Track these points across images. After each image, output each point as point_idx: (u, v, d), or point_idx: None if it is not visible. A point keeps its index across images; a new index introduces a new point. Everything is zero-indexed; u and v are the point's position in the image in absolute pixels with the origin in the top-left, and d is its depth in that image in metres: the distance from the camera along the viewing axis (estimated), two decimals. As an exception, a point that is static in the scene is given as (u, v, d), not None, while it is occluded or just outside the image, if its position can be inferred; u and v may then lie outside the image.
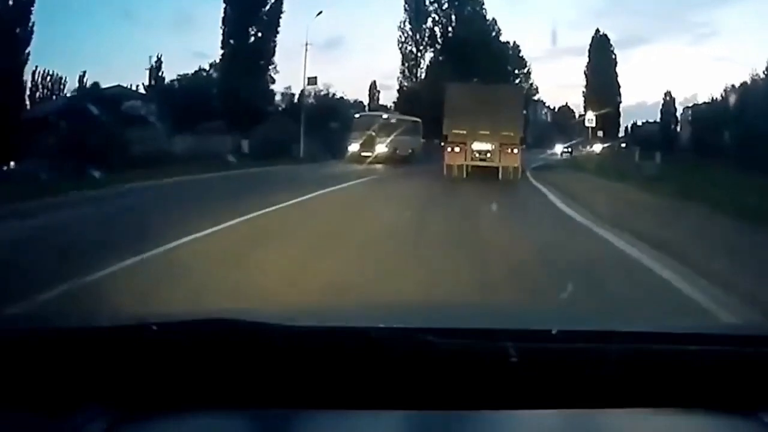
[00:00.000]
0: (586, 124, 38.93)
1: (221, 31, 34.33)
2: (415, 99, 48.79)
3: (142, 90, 37.10)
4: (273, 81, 36.83)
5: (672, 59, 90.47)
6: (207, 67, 38.64)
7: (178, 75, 40.40)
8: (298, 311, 2.11)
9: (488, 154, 18.22)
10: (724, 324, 3.34)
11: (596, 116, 39.85)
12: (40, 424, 1.09)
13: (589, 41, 56.22)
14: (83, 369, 1.15)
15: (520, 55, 55.81)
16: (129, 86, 35.98)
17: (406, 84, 54.83)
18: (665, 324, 1.85)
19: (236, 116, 30.38)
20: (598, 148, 45.20)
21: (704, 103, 55.25)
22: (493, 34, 53.14)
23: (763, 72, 40.54)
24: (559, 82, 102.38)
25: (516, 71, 54.80)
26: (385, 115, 31.03)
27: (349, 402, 1.14)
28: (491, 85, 23.60)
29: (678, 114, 59.77)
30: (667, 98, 60.20)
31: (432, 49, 53.06)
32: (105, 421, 1.08)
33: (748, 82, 42.02)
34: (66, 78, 38.54)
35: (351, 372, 1.15)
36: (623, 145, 47.13)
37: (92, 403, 1.11)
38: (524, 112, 24.12)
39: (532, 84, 55.88)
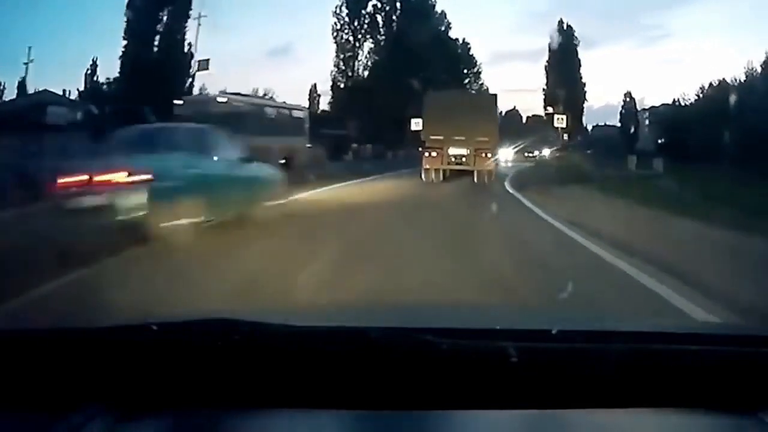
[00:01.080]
0: (555, 123, 35.92)
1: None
2: (353, 98, 44.14)
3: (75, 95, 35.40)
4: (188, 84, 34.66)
5: (624, 62, 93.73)
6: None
7: (107, 78, 39.04)
8: (297, 311, 2.07)
9: (464, 159, 19.39)
10: (724, 324, 3.32)
11: (565, 116, 36.55)
12: (40, 424, 1.09)
13: (550, 36, 53.70)
14: (83, 369, 1.15)
15: (471, 53, 53.07)
16: (64, 92, 34.53)
17: (341, 80, 47.86)
18: (665, 324, 1.86)
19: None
20: (546, 152, 42.43)
21: (663, 104, 55.24)
22: (443, 28, 49.22)
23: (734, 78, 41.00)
24: (504, 86, 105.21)
25: (466, 70, 52.01)
26: (222, 99, 19.68)
27: (348, 402, 1.14)
28: (467, 93, 25.30)
29: (642, 116, 58.11)
30: (627, 99, 58.89)
31: (372, 39, 47.36)
32: (105, 421, 1.08)
33: (713, 83, 42.33)
34: (4, 83, 38.49)
35: (351, 372, 1.15)
36: (588, 151, 43.98)
37: (92, 403, 1.11)
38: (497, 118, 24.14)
39: (482, 84, 53.24)
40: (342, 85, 47.41)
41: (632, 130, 57.80)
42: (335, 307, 2.94)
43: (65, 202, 6.68)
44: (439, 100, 21.17)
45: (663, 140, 48.73)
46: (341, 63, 47.88)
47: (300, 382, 1.14)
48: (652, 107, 57.27)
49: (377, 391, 1.14)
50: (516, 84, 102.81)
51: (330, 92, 47.99)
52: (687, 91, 49.03)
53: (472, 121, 18.78)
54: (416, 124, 35.61)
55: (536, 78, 77.56)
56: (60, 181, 6.86)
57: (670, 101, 54.54)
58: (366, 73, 47.20)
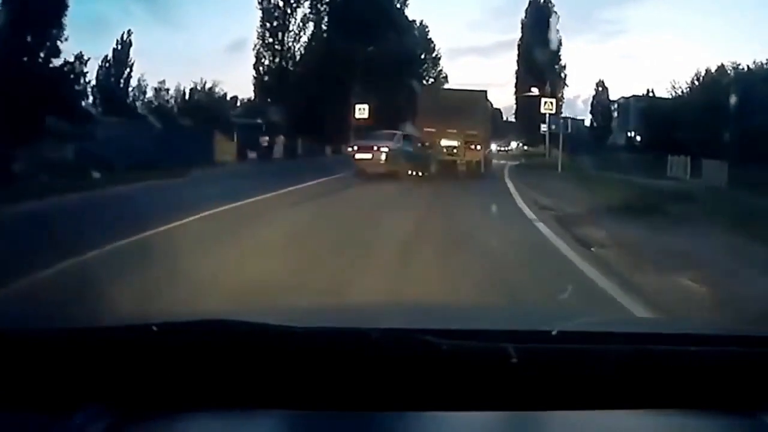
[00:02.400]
0: (543, 109, 28.88)
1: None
2: (282, 79, 36.92)
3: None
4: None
5: (588, 56, 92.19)
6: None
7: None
8: (298, 312, 2.10)
9: (454, 150, 20.34)
10: (724, 325, 3.29)
11: (555, 100, 30.44)
12: (40, 424, 1.09)
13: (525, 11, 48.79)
14: (84, 369, 1.15)
15: (429, 37, 48.80)
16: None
17: (267, 56, 37.96)
18: (665, 325, 1.87)
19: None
20: (514, 144, 40.67)
21: (633, 96, 51.91)
22: (398, 5, 43.20)
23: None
24: (460, 81, 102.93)
25: (423, 55, 48.19)
26: None
27: (349, 403, 1.14)
28: (459, 90, 24.95)
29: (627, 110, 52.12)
30: (600, 89, 53.83)
31: (309, 5, 38.12)
32: (105, 421, 1.08)
33: (711, 70, 37.14)
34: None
35: (351, 373, 1.15)
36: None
37: (92, 403, 1.11)
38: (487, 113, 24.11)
39: (440, 71, 49.61)
40: (268, 62, 38.40)
41: (611, 122, 54.41)
42: (335, 307, 2.94)
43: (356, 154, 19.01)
44: (433, 94, 23.52)
45: (642, 134, 45.54)
46: (267, 34, 38.09)
47: (300, 382, 1.14)
48: (633, 96, 52.94)
49: (377, 392, 1.14)
50: (475, 79, 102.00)
51: (254, 73, 38.50)
52: (678, 80, 43.70)
53: (462, 115, 19.66)
54: (361, 111, 31.54)
55: (497, 72, 79.52)
56: (355, 146, 19.65)
57: (638, 94, 51.62)
58: (299, 48, 38.86)
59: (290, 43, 38.16)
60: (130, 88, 38.82)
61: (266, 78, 38.17)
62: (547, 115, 29.64)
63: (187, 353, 1.16)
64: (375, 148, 18.74)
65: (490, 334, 1.27)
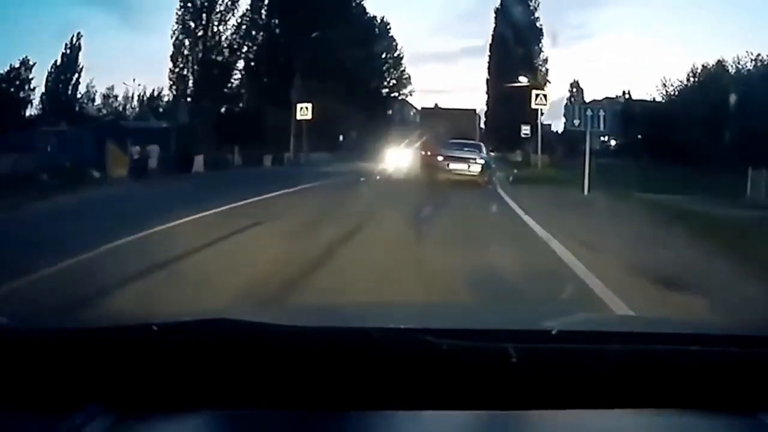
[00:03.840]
0: (535, 104, 24.46)
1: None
2: (205, 72, 31.82)
3: None
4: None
5: (558, 60, 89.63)
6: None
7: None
8: (298, 311, 2.07)
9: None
10: (724, 324, 3.24)
11: (545, 95, 25.84)
12: (40, 424, 1.10)
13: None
14: (83, 369, 1.16)
15: (390, 35, 45.43)
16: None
17: (187, 45, 31.60)
18: (665, 324, 1.89)
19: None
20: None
21: (606, 98, 48.60)
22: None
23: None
24: (422, 87, 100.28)
25: (385, 55, 45.10)
26: None
27: (349, 402, 1.14)
28: (454, 109, 25.36)
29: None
30: (575, 90, 50.52)
31: None
32: (105, 421, 1.08)
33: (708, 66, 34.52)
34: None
35: (351, 372, 1.15)
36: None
37: (92, 403, 1.11)
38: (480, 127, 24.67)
39: (403, 71, 46.15)
40: (187, 52, 32.16)
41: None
42: (335, 307, 2.93)
43: (447, 166, 18.41)
44: (431, 113, 24.69)
45: (618, 138, 43.31)
46: (188, 17, 31.64)
47: (300, 382, 1.14)
48: (606, 99, 49.06)
49: (377, 391, 1.14)
50: (439, 85, 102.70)
51: (170, 65, 32.78)
52: (670, 78, 38.20)
53: (459, 130, 21.01)
54: (303, 111, 27.91)
55: (463, 78, 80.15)
56: (443, 156, 18.96)
57: (611, 96, 48.74)
58: (231, 35, 32.74)
59: (216, 28, 32.21)
60: (78, 95, 36.06)
61: (186, 71, 32.97)
62: (539, 112, 25.30)
63: (187, 353, 1.15)
64: (469, 158, 18.66)
65: (490, 334, 1.27)
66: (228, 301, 4.42)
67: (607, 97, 50.59)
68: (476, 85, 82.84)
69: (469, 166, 18.42)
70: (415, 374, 1.15)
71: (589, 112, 14.44)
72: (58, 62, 34.85)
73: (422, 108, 24.07)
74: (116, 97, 37.55)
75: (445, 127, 21.18)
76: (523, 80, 35.18)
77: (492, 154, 35.78)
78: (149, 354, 1.16)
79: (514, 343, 1.16)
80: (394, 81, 46.95)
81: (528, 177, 21.88)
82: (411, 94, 47.87)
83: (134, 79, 45.45)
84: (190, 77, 32.88)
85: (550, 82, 40.91)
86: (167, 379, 1.15)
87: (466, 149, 19.41)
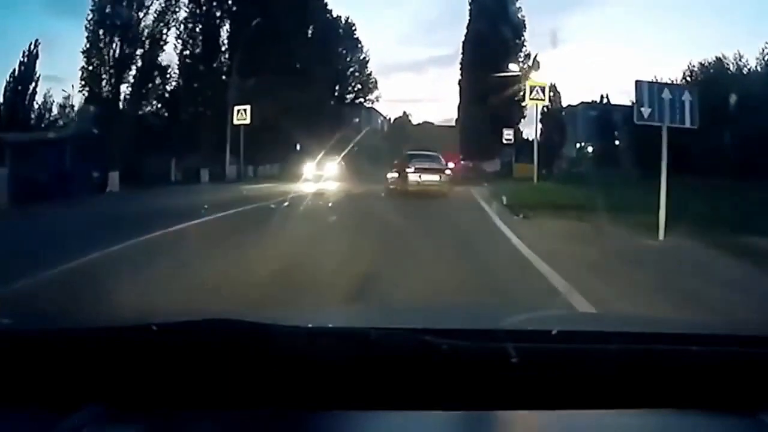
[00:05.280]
0: (529, 99, 20.27)
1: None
2: (116, 69, 26.51)
3: None
4: None
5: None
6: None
7: None
8: (298, 312, 2.14)
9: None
10: (724, 324, 2.94)
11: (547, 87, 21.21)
12: (40, 424, 1.10)
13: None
14: (83, 369, 1.16)
15: (356, 36, 43.83)
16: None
17: (104, 37, 26.41)
18: (665, 324, 1.85)
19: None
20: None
21: (582, 103, 48.80)
22: None
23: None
24: (389, 96, 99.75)
25: (349, 58, 43.36)
26: None
27: (348, 402, 1.14)
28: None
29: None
30: (552, 94, 41.08)
31: None
32: (105, 421, 1.09)
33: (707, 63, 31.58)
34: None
35: (351, 372, 1.15)
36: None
37: (92, 403, 1.11)
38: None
39: (370, 74, 44.46)
40: (103, 45, 26.70)
41: (564, 131, 46.72)
42: (335, 307, 3.02)
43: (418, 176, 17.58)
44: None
45: (596, 145, 41.53)
46: (106, 2, 26.40)
47: (300, 382, 1.14)
48: (582, 104, 49.13)
49: (377, 392, 1.14)
50: (408, 94, 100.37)
51: (84, 61, 27.29)
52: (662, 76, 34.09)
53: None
54: (241, 114, 23.62)
55: (432, 87, 76.71)
56: (414, 167, 17.92)
57: (587, 101, 48.21)
58: (152, 23, 27.13)
59: (137, 15, 26.73)
60: (36, 105, 31.70)
61: (101, 69, 27.32)
62: (536, 108, 20.90)
63: (187, 353, 1.16)
64: (441, 170, 18.43)
65: (491, 334, 1.28)
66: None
67: (583, 102, 49.56)
68: (446, 94, 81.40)
69: (440, 178, 18.10)
70: (415, 374, 1.15)
71: (666, 95, 8.07)
72: (16, 72, 31.24)
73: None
74: (73, 107, 33.23)
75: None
76: (513, 68, 30.79)
77: (462, 163, 31.88)
78: (149, 354, 1.17)
79: (514, 343, 1.16)
80: (359, 86, 44.81)
81: (530, 199, 14.70)
82: (377, 100, 46.31)
83: (73, 86, 39.52)
84: (104, 76, 27.40)
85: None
86: (167, 379, 1.16)
87: (430, 160, 19.09)
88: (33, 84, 31.25)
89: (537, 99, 19.62)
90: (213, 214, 11.12)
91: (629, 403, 1.15)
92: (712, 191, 17.08)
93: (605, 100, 49.03)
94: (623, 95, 43.64)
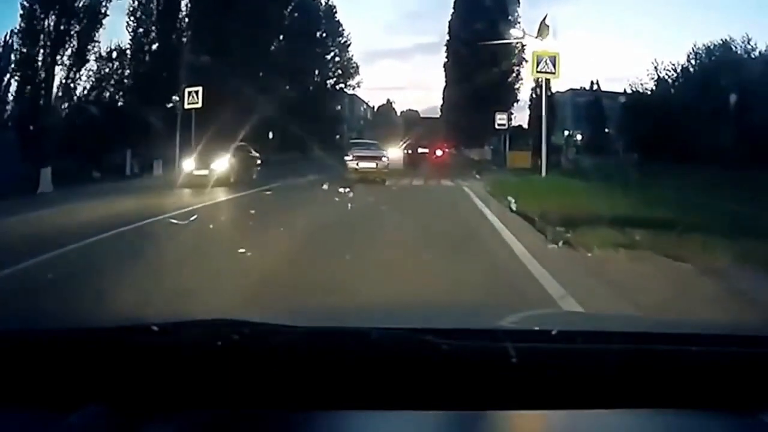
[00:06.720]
0: (536, 72, 16.44)
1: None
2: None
3: None
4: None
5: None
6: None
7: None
8: (298, 312, 2.12)
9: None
10: (724, 324, 2.89)
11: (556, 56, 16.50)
12: (40, 424, 1.10)
13: None
14: (83, 369, 1.16)
15: (337, 19, 41.79)
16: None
17: (39, 6, 22.86)
18: (665, 324, 1.84)
19: None
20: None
21: (570, 89, 46.83)
22: None
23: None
24: (373, 84, 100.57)
25: (331, 41, 41.28)
26: None
27: (349, 402, 1.13)
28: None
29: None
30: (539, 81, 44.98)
31: None
32: (105, 421, 1.08)
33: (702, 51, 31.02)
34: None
35: (351, 373, 1.15)
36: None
37: (92, 403, 1.11)
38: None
39: (351, 59, 42.58)
40: (41, 13, 23.40)
41: (555, 118, 45.81)
42: (335, 307, 2.99)
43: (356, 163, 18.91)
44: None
45: (585, 132, 40.83)
46: None
47: (300, 382, 1.14)
48: (570, 90, 47.22)
49: (377, 392, 1.14)
50: (393, 82, 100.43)
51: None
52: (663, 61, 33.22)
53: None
54: (192, 97, 20.92)
55: (414, 75, 74.59)
56: (354, 155, 19.34)
57: (576, 88, 47.07)
58: None
59: None
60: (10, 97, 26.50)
61: (36, 49, 23.87)
62: (544, 85, 17.31)
63: (187, 353, 1.15)
64: (378, 157, 19.59)
65: (491, 334, 1.27)
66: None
67: (571, 89, 47.69)
68: (432, 82, 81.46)
69: (377, 165, 19.04)
70: (415, 374, 1.14)
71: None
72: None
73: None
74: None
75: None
76: (516, 34, 27.49)
77: (447, 151, 29.47)
78: (149, 354, 1.16)
79: (514, 343, 1.15)
80: (340, 70, 42.98)
81: (554, 204, 9.66)
82: (359, 86, 44.16)
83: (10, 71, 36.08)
84: (40, 57, 23.28)
85: (526, 62, 31.96)
86: (167, 379, 1.15)
87: (369, 148, 20.58)
88: (7, 75, 25.59)
89: (545, 72, 15.90)
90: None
91: (629, 403, 1.14)
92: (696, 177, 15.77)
93: (595, 87, 47.96)
94: (614, 82, 41.94)
